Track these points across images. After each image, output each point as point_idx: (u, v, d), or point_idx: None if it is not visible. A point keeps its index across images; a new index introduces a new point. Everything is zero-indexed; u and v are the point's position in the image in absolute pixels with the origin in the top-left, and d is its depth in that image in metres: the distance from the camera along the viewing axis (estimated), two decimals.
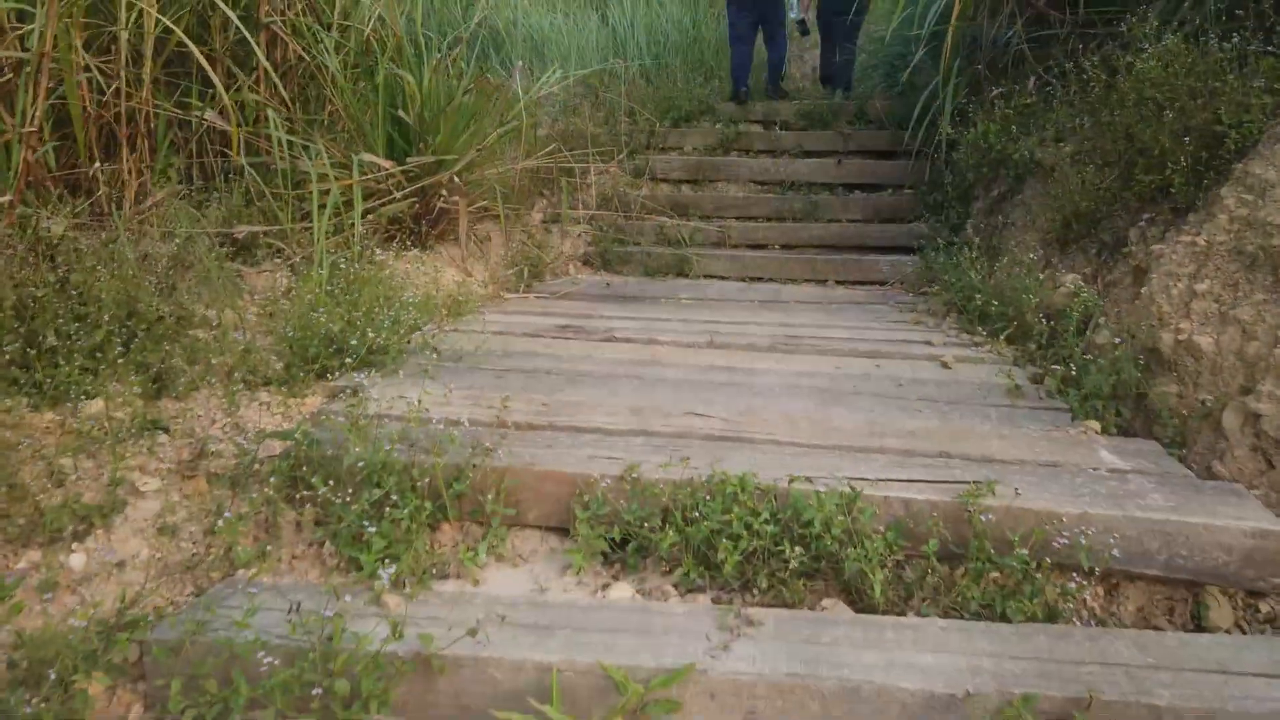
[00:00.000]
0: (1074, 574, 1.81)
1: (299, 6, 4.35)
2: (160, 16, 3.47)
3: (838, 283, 5.14)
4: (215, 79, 3.46)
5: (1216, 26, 3.14)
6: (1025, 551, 1.76)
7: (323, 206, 3.62)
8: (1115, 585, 1.91)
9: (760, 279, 5.26)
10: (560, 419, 2.40)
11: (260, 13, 4.01)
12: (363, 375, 2.83)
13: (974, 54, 5.13)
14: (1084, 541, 1.77)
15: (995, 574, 1.85)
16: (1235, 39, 2.87)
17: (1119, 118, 3.24)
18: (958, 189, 4.92)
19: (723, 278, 5.30)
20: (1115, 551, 1.80)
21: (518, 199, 5.41)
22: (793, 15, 7.07)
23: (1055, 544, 1.80)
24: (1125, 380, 2.50)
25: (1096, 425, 2.41)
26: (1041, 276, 3.32)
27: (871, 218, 5.67)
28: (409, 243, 4.33)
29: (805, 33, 7.42)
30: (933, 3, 4.88)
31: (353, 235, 3.66)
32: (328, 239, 3.77)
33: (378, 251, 4.02)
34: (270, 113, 3.57)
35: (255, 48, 3.68)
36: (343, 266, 3.42)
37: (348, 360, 2.84)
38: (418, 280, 4.01)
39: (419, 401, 2.36)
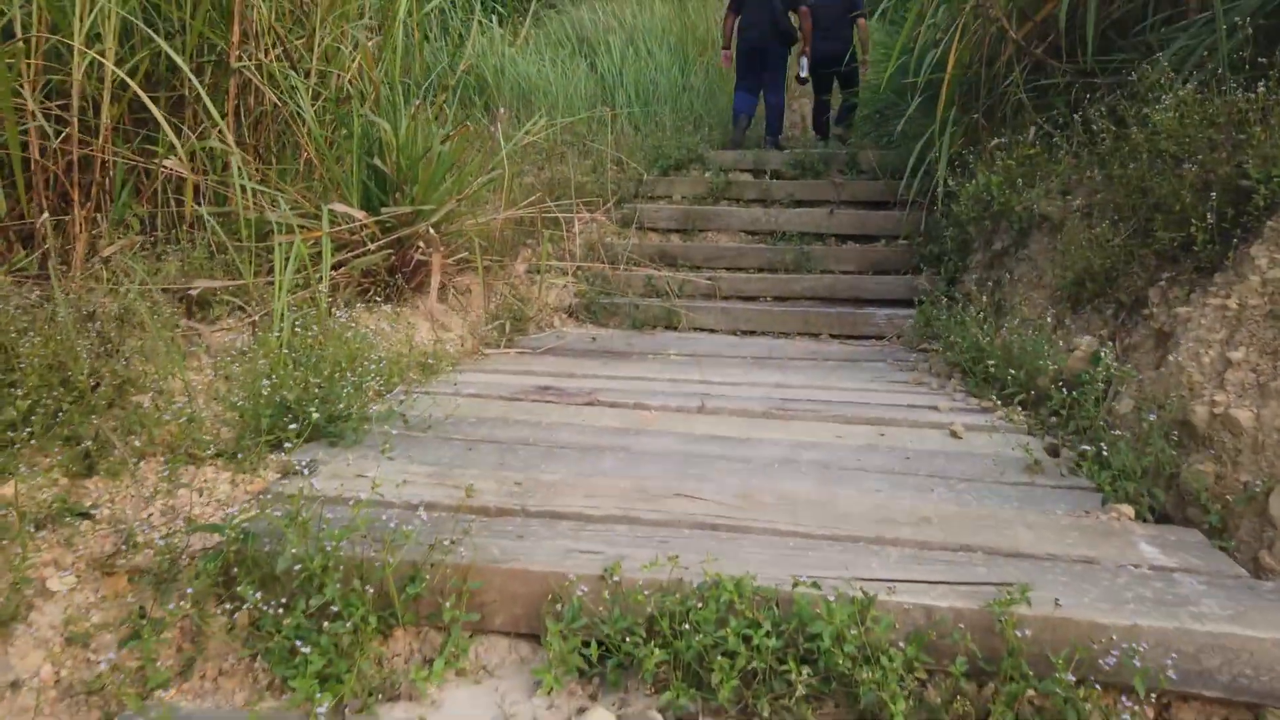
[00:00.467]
0: (1123, 696, 1.56)
1: (276, 52, 4.19)
2: (116, 69, 3.28)
3: (832, 336, 4.94)
4: (165, 127, 3.24)
5: (1236, 75, 2.98)
6: (1071, 677, 1.51)
7: (286, 260, 3.41)
8: (1167, 705, 1.66)
9: (752, 332, 5.05)
10: (534, 501, 2.15)
11: (230, 58, 3.83)
12: (320, 447, 2.59)
13: (970, 102, 5.01)
14: (1137, 663, 1.53)
15: (1032, 693, 1.60)
16: (1261, 87, 2.71)
17: (1132, 171, 3.07)
18: (956, 241, 4.75)
19: (713, 331, 5.09)
20: (1171, 673, 1.55)
21: (501, 249, 5.22)
22: (801, 75, 7.17)
23: (1103, 663, 1.56)
24: (1160, 460, 2.27)
25: (1130, 510, 2.18)
26: (1054, 337, 3.11)
27: (866, 269, 5.50)
28: (384, 296, 4.10)
29: (804, 83, 7.45)
30: (928, 51, 4.76)
31: (321, 290, 3.44)
32: (295, 294, 3.54)
33: (346, 309, 3.79)
34: (234, 160, 3.36)
35: (204, 95, 3.46)
36: (307, 325, 3.19)
37: (304, 430, 2.60)
38: (391, 337, 3.78)
39: (375, 485, 2.11)
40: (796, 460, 2.58)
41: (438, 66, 7.13)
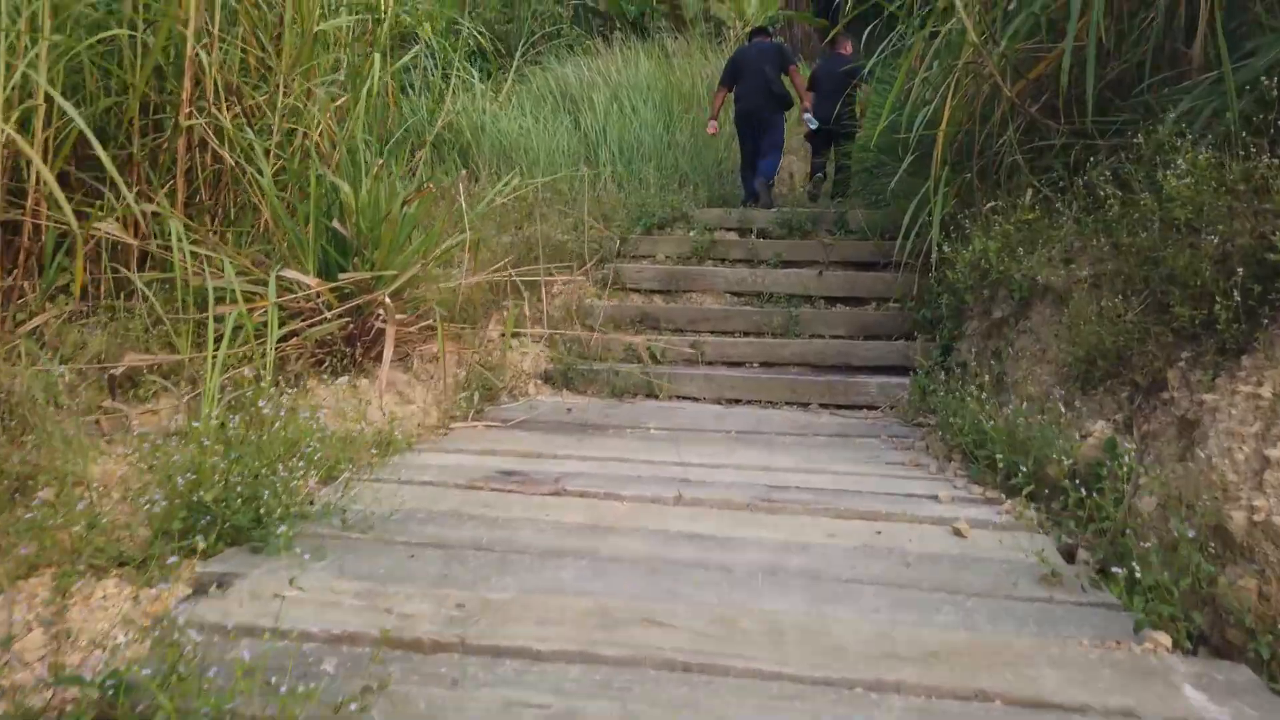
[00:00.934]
0: None
1: (234, 110, 3.97)
2: (16, 139, 3.02)
3: (822, 406, 4.66)
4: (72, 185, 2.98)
5: (1253, 138, 2.78)
6: None
7: (232, 332, 3.13)
8: None
9: (738, 401, 4.78)
10: (477, 631, 1.84)
11: (181, 115, 3.60)
12: (242, 555, 2.28)
13: (963, 162, 4.84)
14: None
15: None
16: None
17: (1143, 240, 2.84)
18: (951, 307, 4.52)
19: (697, 399, 4.82)
20: None
21: (473, 313, 4.96)
22: (811, 126, 7.27)
23: None
24: (1196, 576, 1.99)
25: (1166, 640, 1.89)
26: (1063, 420, 2.85)
27: (856, 334, 5.26)
28: (341, 367, 3.82)
29: (812, 135, 7.56)
30: (920, 109, 4.58)
31: (268, 363, 3.16)
32: (238, 367, 3.26)
33: (296, 383, 3.51)
34: (174, 225, 3.10)
35: (141, 155, 3.23)
36: (245, 406, 2.90)
37: (222, 535, 2.29)
38: (345, 413, 3.48)
39: (293, 609, 1.80)
40: (783, 568, 2.28)
41: (409, 121, 6.97)
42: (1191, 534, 2.04)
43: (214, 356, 2.89)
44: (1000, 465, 2.91)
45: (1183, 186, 2.68)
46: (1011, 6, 4.61)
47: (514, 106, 8.10)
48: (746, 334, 5.43)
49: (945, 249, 4.24)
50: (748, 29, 13.23)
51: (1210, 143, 2.95)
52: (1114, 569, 2.19)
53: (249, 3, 3.92)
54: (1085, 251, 3.32)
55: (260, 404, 2.67)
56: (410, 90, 7.58)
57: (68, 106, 2.94)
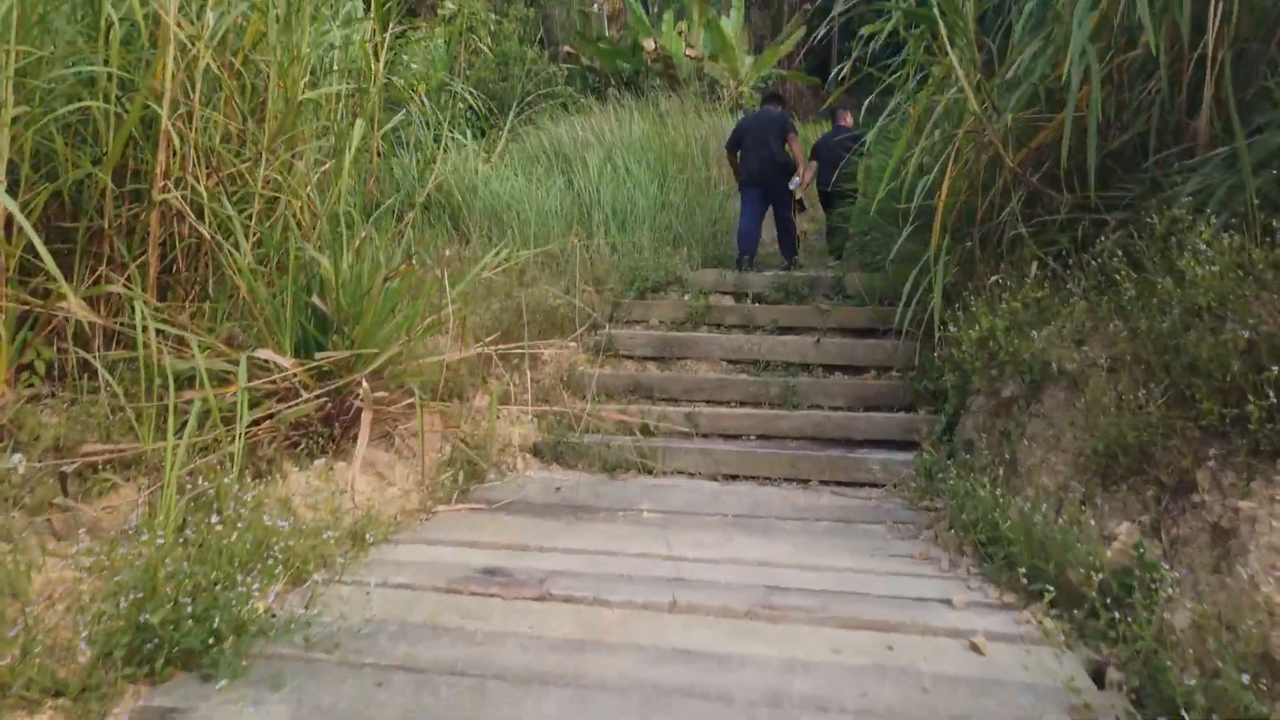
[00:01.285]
0: None
1: (214, 178, 3.84)
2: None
3: (823, 483, 4.47)
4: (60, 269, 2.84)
5: (1273, 218, 2.66)
6: None
7: (199, 418, 2.95)
8: None
9: (735, 477, 4.59)
10: None
11: (155, 187, 3.47)
12: (192, 683, 2.06)
13: (962, 229, 4.74)
14: None
15: None
16: None
17: (1164, 327, 2.70)
18: (955, 383, 4.36)
19: (692, 475, 4.62)
20: None
21: (459, 383, 4.79)
22: (791, 187, 7.28)
23: None
24: (1247, 717, 1.79)
25: None
26: (1082, 517, 2.67)
27: (856, 404, 5.09)
28: (318, 448, 3.64)
29: (802, 209, 7.74)
30: (920, 178, 4.48)
31: (237, 454, 2.96)
32: (205, 455, 3.08)
33: (268, 470, 3.32)
34: (138, 306, 2.93)
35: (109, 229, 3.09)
36: (208, 504, 2.71)
37: (176, 655, 2.09)
38: (319, 502, 3.28)
39: None
40: (787, 695, 2.07)
41: (401, 184, 6.89)
42: (1222, 644, 1.85)
43: (174, 448, 2.70)
44: (1018, 566, 2.72)
45: (1208, 275, 2.54)
46: (1010, 75, 4.56)
47: (506, 167, 8.04)
48: (743, 404, 5.26)
49: (951, 328, 4.10)
50: (742, 86, 13.37)
51: (1227, 223, 2.83)
52: (1149, 697, 2.00)
53: (230, 72, 3.81)
54: (1098, 333, 3.17)
55: (225, 500, 2.47)
56: (402, 150, 7.52)
57: (5, 200, 2.77)
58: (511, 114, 8.68)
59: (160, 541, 2.23)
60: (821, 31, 6.08)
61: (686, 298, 6.40)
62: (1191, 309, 2.62)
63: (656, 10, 18.55)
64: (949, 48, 4.02)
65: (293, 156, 4.19)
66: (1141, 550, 2.39)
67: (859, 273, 6.35)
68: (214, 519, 2.52)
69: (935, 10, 3.98)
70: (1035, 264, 3.93)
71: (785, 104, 7.95)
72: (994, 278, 3.99)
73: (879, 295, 5.91)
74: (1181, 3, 3.37)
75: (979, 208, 4.59)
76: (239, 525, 2.48)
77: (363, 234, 3.71)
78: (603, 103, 12.00)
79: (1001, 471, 3.41)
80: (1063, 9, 4.19)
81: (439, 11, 11.42)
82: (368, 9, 7.33)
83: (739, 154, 7.35)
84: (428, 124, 7.65)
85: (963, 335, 3.87)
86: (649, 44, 12.59)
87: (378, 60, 5.55)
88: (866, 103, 6.03)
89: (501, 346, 4.62)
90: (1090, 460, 2.85)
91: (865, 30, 4.57)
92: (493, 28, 11.89)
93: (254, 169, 3.99)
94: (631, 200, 7.90)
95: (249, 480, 2.92)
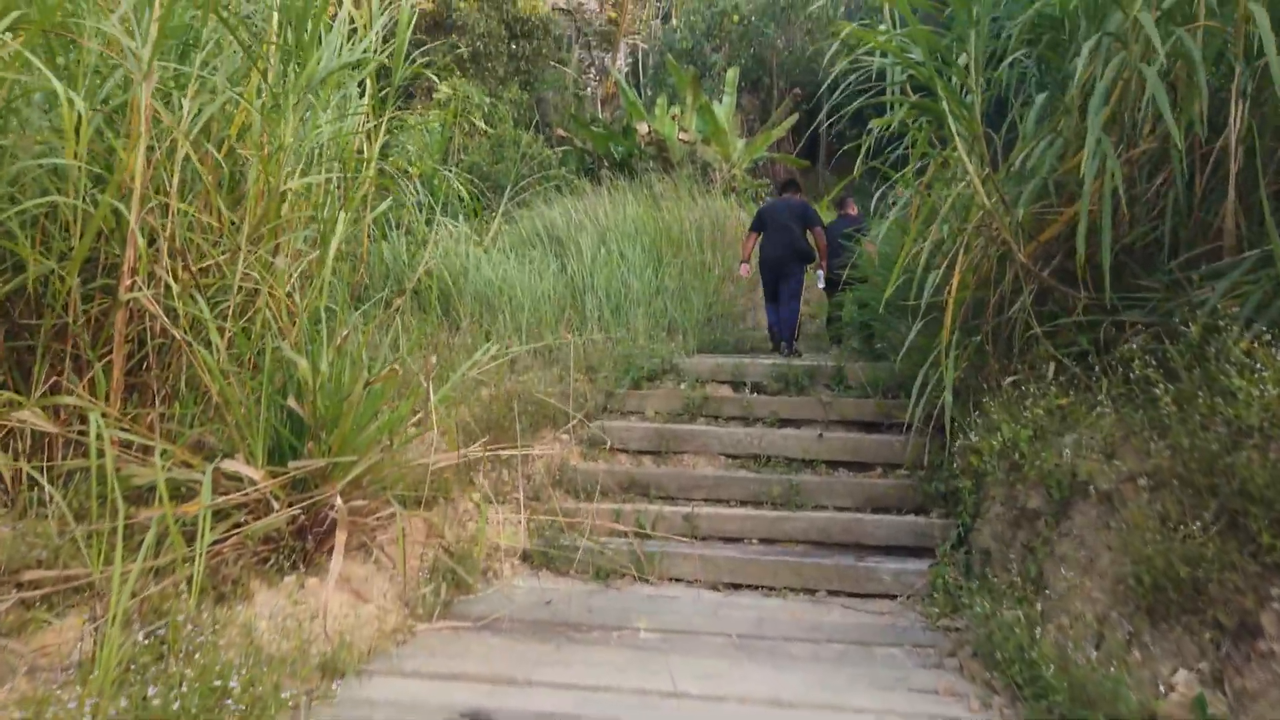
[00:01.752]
0: None
1: (189, 272, 3.66)
2: None
3: (831, 594, 4.19)
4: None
5: None
6: None
7: (158, 537, 2.68)
8: None
9: (737, 587, 4.30)
10: None
11: (121, 287, 3.27)
12: None
13: (970, 323, 4.59)
14: None
15: None
16: None
17: (1208, 444, 2.50)
18: (969, 485, 4.14)
19: (691, 583, 4.33)
20: None
21: (444, 484, 4.53)
22: (820, 285, 7.67)
23: None
24: None
25: None
26: (1132, 662, 2.41)
27: (863, 505, 4.84)
28: (289, 563, 3.35)
29: (828, 293, 7.93)
30: (929, 273, 4.33)
31: (195, 581, 2.69)
32: (163, 579, 2.80)
33: (233, 590, 3.03)
34: (93, 417, 2.69)
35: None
36: (168, 637, 2.42)
37: None
38: (288, 627, 2.99)
39: None
40: None
41: (392, 270, 6.75)
42: None
43: (123, 575, 2.43)
44: (1057, 709, 2.44)
45: (1262, 395, 2.34)
46: (1016, 165, 4.48)
47: (499, 250, 7.93)
48: (744, 503, 4.99)
49: (971, 435, 3.88)
50: (735, 169, 13.48)
51: (1266, 335, 2.66)
52: None
53: (209, 163, 3.67)
54: (1130, 446, 2.97)
55: (176, 642, 2.19)
56: (395, 233, 7.40)
57: None
58: (505, 197, 8.62)
59: (92, 701, 1.95)
60: (824, 120, 6.07)
61: (683, 387, 6.20)
62: (1241, 428, 2.42)
63: (650, 94, 18.95)
64: (957, 141, 3.92)
65: (275, 249, 4.02)
66: (1204, 706, 2.13)
67: (861, 363, 6.18)
68: (165, 663, 2.23)
69: (944, 104, 3.89)
70: (1053, 365, 3.75)
71: (799, 190, 8.25)
72: (1010, 378, 3.80)
73: (882, 387, 5.72)
74: (1199, 94, 3.29)
75: (989, 300, 4.44)
76: (187, 675, 2.19)
77: (345, 331, 3.50)
78: (596, 185, 12.05)
79: (1028, 591, 3.16)
80: (1071, 102, 4.13)
81: (435, 95, 11.53)
82: (363, 93, 7.33)
83: (760, 236, 7.52)
84: (420, 208, 7.55)
85: (982, 444, 3.64)
86: (642, 128, 12.72)
87: (372, 144, 5.46)
88: (877, 194, 5.97)
89: (490, 449, 4.37)
90: (1133, 591, 2.60)
91: (874, 124, 4.50)
92: (487, 111, 12.00)
93: (233, 261, 3.81)
94: (625, 284, 7.77)
95: (205, 615, 2.62)
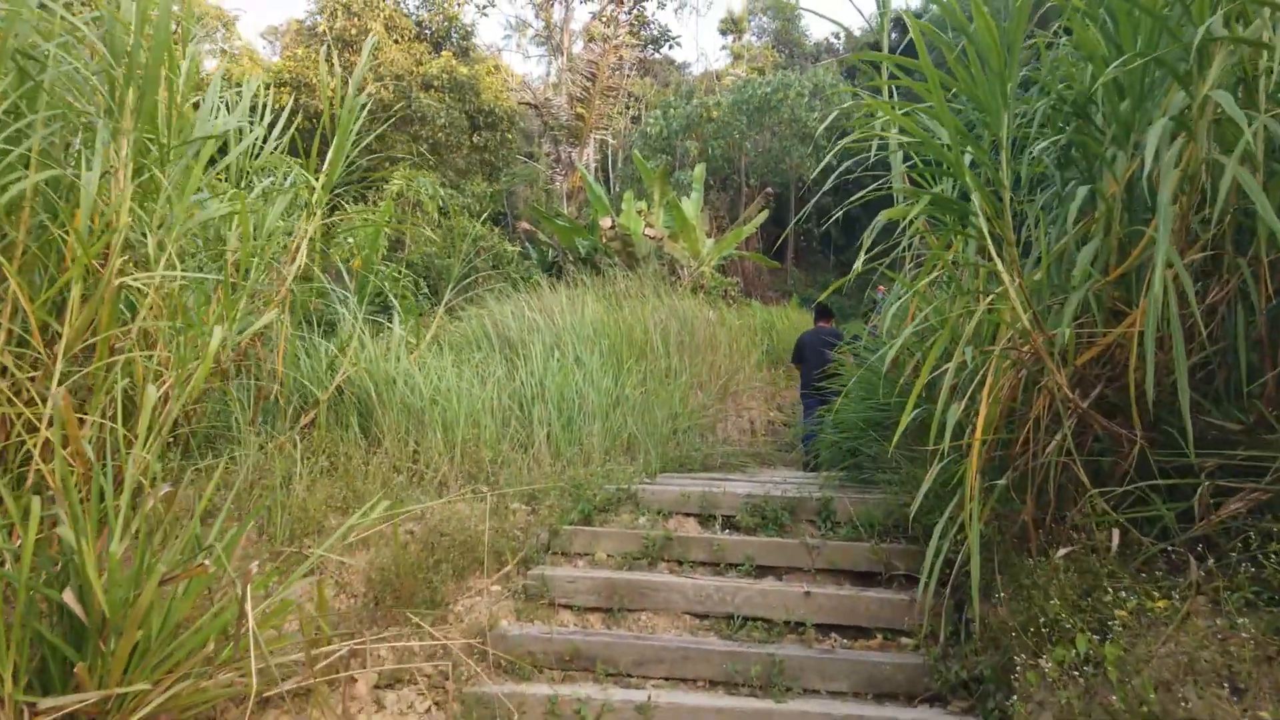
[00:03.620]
0: None
1: None
2: None
3: None
4: None
5: None
6: None
7: None
8: None
9: None
10: None
11: None
12: None
13: (993, 466, 3.74)
14: None
15: None
16: None
17: None
18: (994, 669, 3.20)
19: None
20: None
21: (327, 658, 3.47)
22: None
23: None
24: None
25: None
26: None
27: (864, 689, 3.84)
28: None
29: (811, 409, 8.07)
30: (950, 404, 3.47)
31: None
32: None
33: None
34: None
35: None
36: None
37: None
38: None
39: None
40: None
41: (309, 379, 5.80)
42: None
43: None
44: None
45: None
46: (1040, 270, 3.71)
47: (435, 355, 7.01)
48: (714, 684, 3.97)
49: (998, 607, 2.96)
50: (703, 266, 12.86)
51: None
52: None
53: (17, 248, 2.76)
54: (1266, 682, 2.05)
55: None
56: (315, 336, 6.46)
57: None
58: (448, 292, 7.76)
59: None
60: (793, 217, 5.34)
61: (642, 520, 5.25)
62: None
63: (617, 189, 18.54)
64: (990, 246, 3.14)
65: (109, 368, 3.07)
66: None
67: (849, 493, 5.28)
68: None
69: (976, 204, 3.11)
70: (1115, 534, 2.87)
71: (832, 316, 8.84)
72: (1062, 549, 2.90)
73: (877, 527, 4.81)
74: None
75: (1017, 437, 3.60)
76: None
77: (163, 491, 2.51)
78: (560, 280, 11.33)
79: None
80: (1114, 200, 3.40)
81: (385, 187, 10.83)
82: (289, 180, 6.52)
83: (801, 365, 8.25)
84: (347, 305, 6.65)
85: (1047, 658, 2.68)
86: (605, 222, 12.10)
87: (299, 239, 4.60)
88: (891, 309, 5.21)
89: (391, 615, 3.35)
90: None
91: (884, 216, 3.72)
92: (442, 203, 11.30)
93: (48, 372, 2.86)
94: (580, 394, 6.87)
95: None
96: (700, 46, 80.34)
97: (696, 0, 59.99)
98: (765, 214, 13.69)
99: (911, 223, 4.44)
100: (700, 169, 14.62)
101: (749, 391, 9.61)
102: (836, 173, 4.49)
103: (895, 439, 3.58)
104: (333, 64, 8.44)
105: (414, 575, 4.35)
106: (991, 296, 3.41)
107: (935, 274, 4.08)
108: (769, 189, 16.87)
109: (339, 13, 17.40)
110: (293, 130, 6.09)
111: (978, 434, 3.22)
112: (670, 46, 21.99)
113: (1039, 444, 3.51)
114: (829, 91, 21.96)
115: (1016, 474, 3.57)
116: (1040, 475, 3.50)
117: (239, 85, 5.60)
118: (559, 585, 4.55)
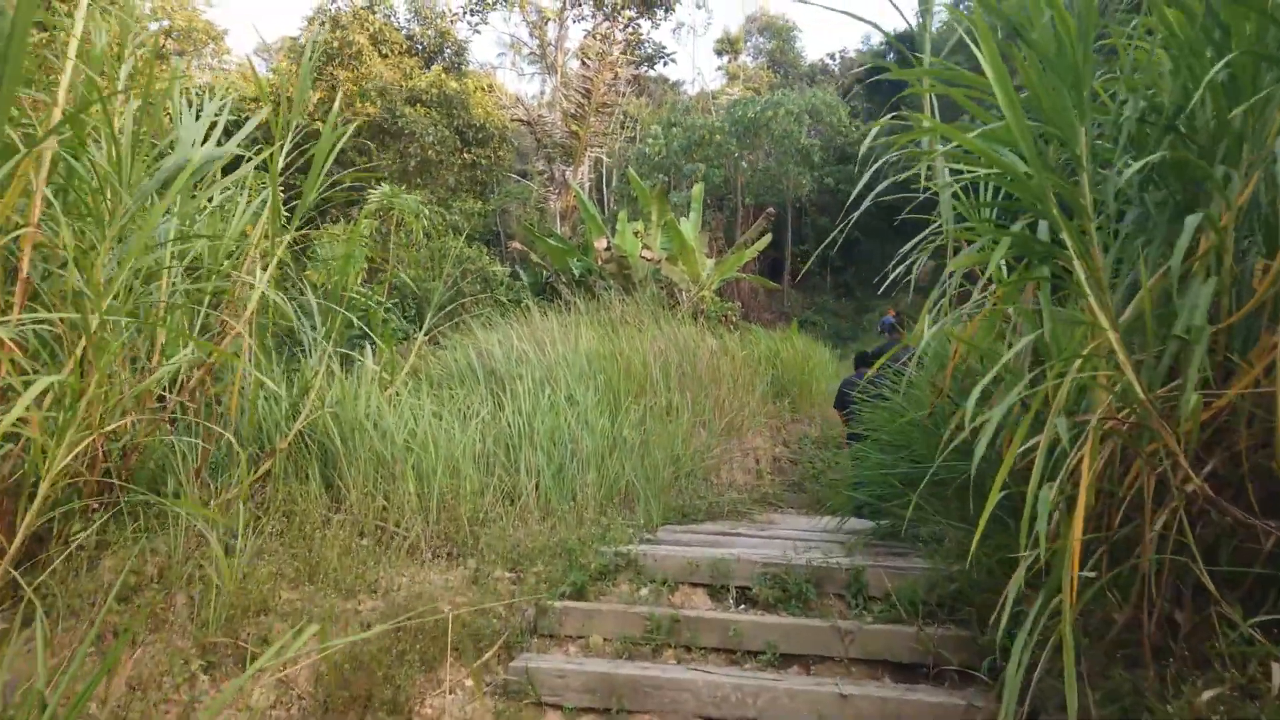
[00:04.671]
0: None
1: None
2: None
3: None
4: None
5: None
6: None
7: None
8: None
9: None
10: None
11: None
12: None
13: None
14: None
15: None
16: None
17: None
18: None
19: None
20: None
21: None
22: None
23: None
24: None
25: None
26: None
27: None
28: None
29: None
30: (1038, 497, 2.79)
31: None
32: None
33: None
34: None
35: None
36: None
37: None
38: None
39: None
40: None
41: (264, 423, 5.10)
42: None
43: None
44: None
45: None
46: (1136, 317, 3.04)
47: (415, 389, 6.31)
48: None
49: None
50: (704, 290, 12.22)
51: None
52: None
53: None
54: None
55: None
56: (277, 370, 5.75)
57: None
58: (429, 318, 7.06)
59: None
60: (790, 238, 4.69)
61: (644, 592, 4.55)
62: None
63: (614, 209, 17.89)
64: (1088, 295, 2.47)
65: None
66: None
67: (881, 561, 4.59)
68: None
69: (1072, 240, 2.44)
70: (1277, 669, 2.19)
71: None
72: (1208, 692, 2.21)
73: (920, 606, 4.11)
74: None
75: (1112, 525, 2.93)
76: None
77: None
78: (553, 303, 10.67)
79: None
80: (1225, 231, 2.75)
81: (364, 205, 10.15)
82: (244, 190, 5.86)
83: (845, 413, 8.07)
84: (312, 337, 5.95)
85: None
86: (601, 244, 11.45)
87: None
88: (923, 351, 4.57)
89: None
90: None
91: (955, 265, 3.05)
92: (427, 220, 10.62)
93: None
94: (573, 437, 6.17)
95: None
96: (696, 66, 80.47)
97: (694, 20, 60.02)
98: (768, 236, 13.07)
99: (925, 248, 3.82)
100: (699, 189, 14.01)
101: (754, 428, 8.93)
102: (864, 191, 3.82)
103: (975, 543, 2.83)
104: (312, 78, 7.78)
105: (373, 670, 3.64)
106: (1084, 353, 2.74)
107: (999, 326, 3.41)
108: (770, 210, 16.27)
109: (325, 25, 16.82)
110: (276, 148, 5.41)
111: (1076, 528, 2.53)
112: (665, 64, 21.50)
113: (1137, 531, 2.85)
114: (825, 111, 21.60)
115: (1114, 569, 2.89)
116: (1137, 570, 2.83)
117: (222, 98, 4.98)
118: (546, 680, 3.83)
